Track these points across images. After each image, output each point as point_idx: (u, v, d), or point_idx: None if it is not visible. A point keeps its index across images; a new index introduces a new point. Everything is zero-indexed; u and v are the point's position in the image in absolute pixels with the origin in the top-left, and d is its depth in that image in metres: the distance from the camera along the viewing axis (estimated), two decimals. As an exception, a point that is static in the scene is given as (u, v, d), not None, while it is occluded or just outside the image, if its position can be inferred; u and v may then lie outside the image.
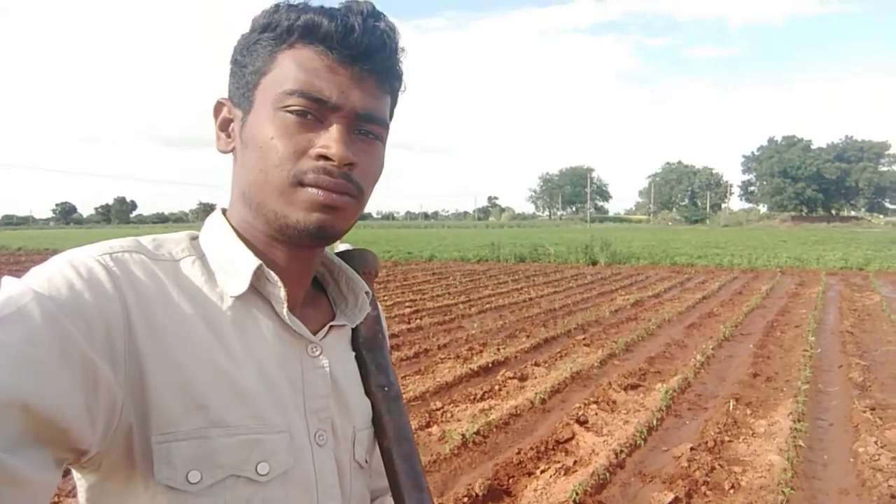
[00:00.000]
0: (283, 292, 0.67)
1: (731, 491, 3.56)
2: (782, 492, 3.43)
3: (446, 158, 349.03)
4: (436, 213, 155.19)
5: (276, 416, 0.65)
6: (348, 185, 0.67)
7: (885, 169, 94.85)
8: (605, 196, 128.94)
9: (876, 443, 4.18)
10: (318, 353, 0.72)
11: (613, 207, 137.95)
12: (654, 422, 4.64)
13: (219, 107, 0.73)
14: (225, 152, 0.72)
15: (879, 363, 6.46)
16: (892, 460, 3.90)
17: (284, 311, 0.68)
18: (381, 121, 0.70)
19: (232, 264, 0.68)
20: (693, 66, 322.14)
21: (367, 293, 0.80)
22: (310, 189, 0.65)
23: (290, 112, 0.65)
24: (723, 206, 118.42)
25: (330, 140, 0.65)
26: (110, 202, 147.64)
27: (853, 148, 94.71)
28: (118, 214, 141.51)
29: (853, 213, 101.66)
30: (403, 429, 0.79)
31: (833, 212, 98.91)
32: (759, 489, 3.57)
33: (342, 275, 0.81)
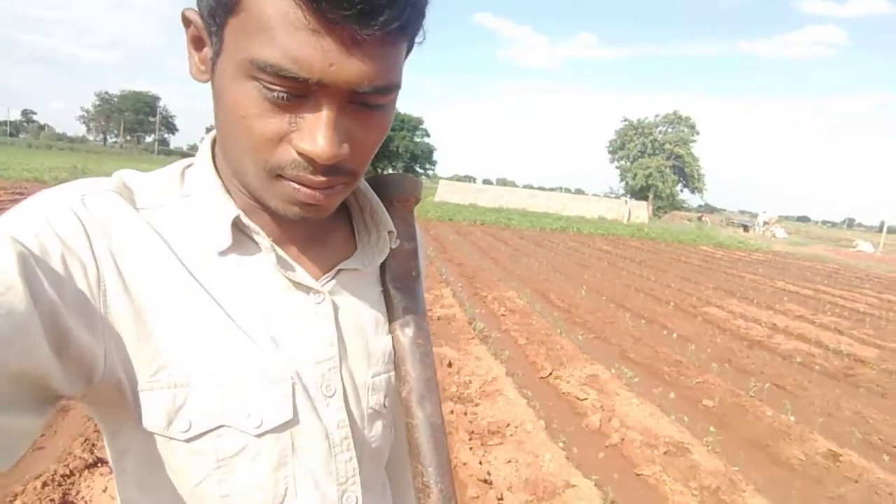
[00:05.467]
0: (267, 241, 0.60)
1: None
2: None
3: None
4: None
5: (273, 368, 0.59)
6: (336, 178, 0.56)
7: (418, 140, 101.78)
8: (172, 129, 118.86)
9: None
10: (321, 300, 0.64)
11: (177, 141, 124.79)
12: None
13: (186, 21, 0.57)
14: (201, 81, 0.58)
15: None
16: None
17: (274, 260, 0.61)
18: (387, 89, 0.53)
19: (212, 212, 0.60)
20: None
21: (390, 232, 0.69)
22: (290, 183, 0.55)
23: (264, 89, 0.50)
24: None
25: (314, 133, 0.52)
26: None
27: (397, 119, 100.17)
28: None
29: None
30: (427, 384, 0.70)
31: (379, 171, 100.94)
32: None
33: (367, 204, 0.70)
